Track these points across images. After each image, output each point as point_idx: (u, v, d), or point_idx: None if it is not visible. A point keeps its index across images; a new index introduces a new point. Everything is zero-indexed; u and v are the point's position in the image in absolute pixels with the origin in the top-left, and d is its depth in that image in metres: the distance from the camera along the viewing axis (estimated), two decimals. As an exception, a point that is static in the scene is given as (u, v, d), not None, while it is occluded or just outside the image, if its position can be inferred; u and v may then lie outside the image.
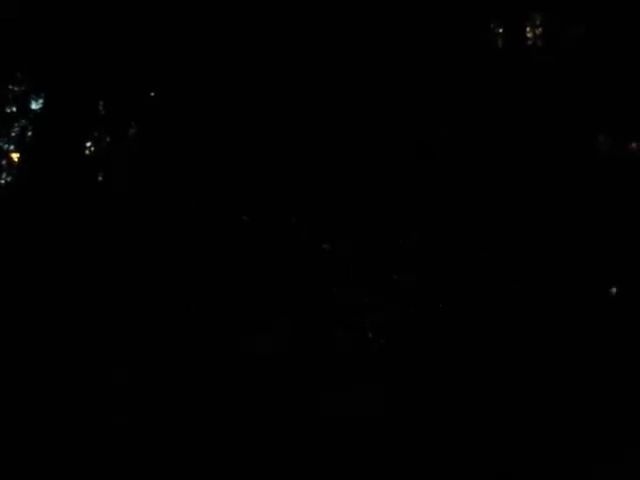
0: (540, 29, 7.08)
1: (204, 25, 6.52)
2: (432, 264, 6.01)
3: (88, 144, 6.84)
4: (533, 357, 5.65)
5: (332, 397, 5.64)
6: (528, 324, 5.77)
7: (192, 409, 5.82)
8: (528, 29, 7.09)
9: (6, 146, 6.87)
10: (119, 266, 6.53)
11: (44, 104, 6.84)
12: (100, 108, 6.85)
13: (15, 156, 6.87)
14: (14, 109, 6.89)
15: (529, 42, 7.06)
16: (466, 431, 5.38)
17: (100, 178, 6.82)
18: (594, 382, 5.48)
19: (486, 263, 5.95)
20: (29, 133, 6.86)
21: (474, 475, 5.22)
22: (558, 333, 5.70)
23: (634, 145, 6.73)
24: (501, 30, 7.03)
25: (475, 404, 5.52)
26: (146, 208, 6.61)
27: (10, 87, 6.87)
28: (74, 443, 5.67)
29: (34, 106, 6.87)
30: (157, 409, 5.84)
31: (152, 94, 6.83)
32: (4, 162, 6.84)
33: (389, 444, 5.41)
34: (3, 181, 6.84)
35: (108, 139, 6.84)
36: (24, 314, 6.32)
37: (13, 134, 6.87)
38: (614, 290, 5.87)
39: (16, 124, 6.87)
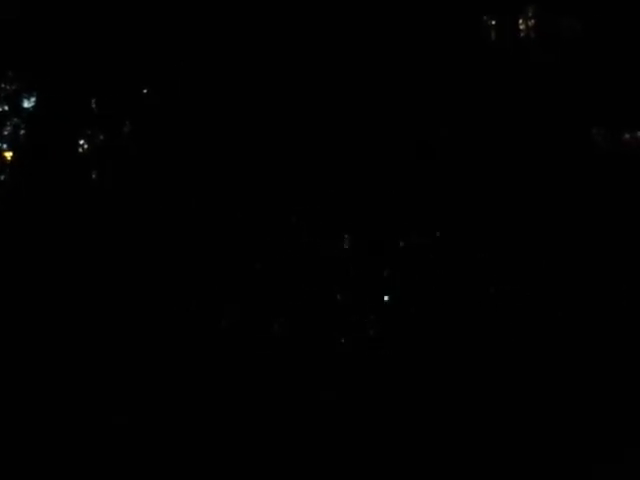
0: (533, 21, 7.08)
1: (200, 21, 6.48)
2: (432, 264, 6.03)
3: (81, 142, 6.79)
4: (533, 357, 5.68)
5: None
6: (528, 324, 5.80)
7: (192, 409, 5.82)
8: (521, 21, 7.09)
9: (-1, 145, 6.84)
10: (114, 265, 6.52)
11: (36, 102, 6.80)
12: (93, 106, 6.79)
13: (8, 155, 6.82)
14: (6, 108, 6.83)
15: (522, 34, 7.07)
16: (468, 431, 5.41)
17: (94, 176, 6.78)
18: (594, 382, 5.51)
19: (486, 263, 5.97)
20: (22, 132, 6.82)
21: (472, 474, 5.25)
22: (558, 332, 5.73)
23: (627, 136, 6.76)
24: (494, 23, 7.04)
25: (475, 404, 5.55)
26: (141, 207, 6.59)
27: (2, 86, 6.81)
28: (74, 443, 5.66)
29: (26, 105, 6.82)
30: (157, 409, 5.83)
31: (145, 91, 6.78)
32: (-3, 162, 6.80)
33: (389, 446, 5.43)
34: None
35: (102, 137, 6.79)
36: (19, 313, 6.30)
37: (6, 133, 6.82)
38: (614, 287, 5.89)
39: (8, 123, 6.82)
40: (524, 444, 5.34)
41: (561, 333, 5.75)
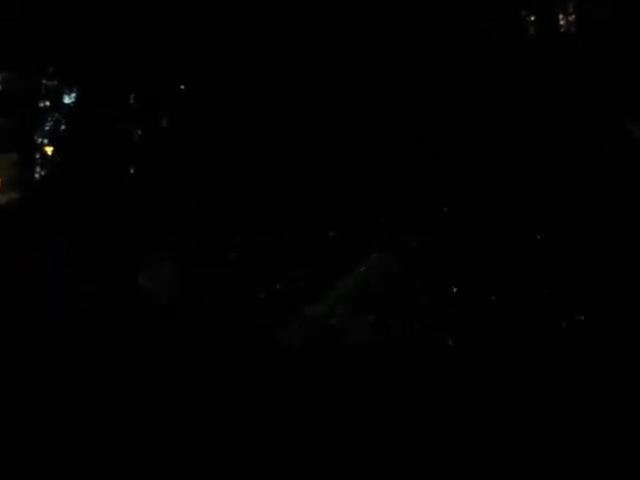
0: (574, 16, 6.98)
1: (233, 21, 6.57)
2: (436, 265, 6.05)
3: (120, 137, 6.91)
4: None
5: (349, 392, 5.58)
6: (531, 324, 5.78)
7: (194, 406, 5.74)
8: (561, 16, 7.00)
9: (40, 140, 6.98)
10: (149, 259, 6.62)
11: (76, 98, 6.94)
12: (131, 101, 6.91)
13: (49, 150, 6.97)
14: (47, 103, 6.98)
15: (562, 30, 6.98)
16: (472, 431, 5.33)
17: (132, 171, 6.90)
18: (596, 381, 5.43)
19: (487, 263, 5.96)
20: (62, 127, 6.97)
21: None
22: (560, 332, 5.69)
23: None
24: (533, 18, 6.96)
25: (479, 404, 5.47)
26: (179, 203, 6.69)
27: (43, 82, 6.96)
28: (74, 443, 5.57)
29: (67, 100, 6.97)
30: (158, 409, 5.76)
31: (183, 87, 6.87)
32: (38, 156, 6.95)
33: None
34: (37, 175, 6.95)
35: (140, 132, 6.90)
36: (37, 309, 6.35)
37: (47, 128, 6.98)
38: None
39: (49, 118, 6.97)
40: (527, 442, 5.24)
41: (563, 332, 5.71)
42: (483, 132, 6.29)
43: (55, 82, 6.97)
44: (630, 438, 5.10)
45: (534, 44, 6.65)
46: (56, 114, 6.97)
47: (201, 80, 6.75)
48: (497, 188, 6.18)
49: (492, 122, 6.32)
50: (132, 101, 6.88)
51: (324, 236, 6.28)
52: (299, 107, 6.43)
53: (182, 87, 6.86)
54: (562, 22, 6.80)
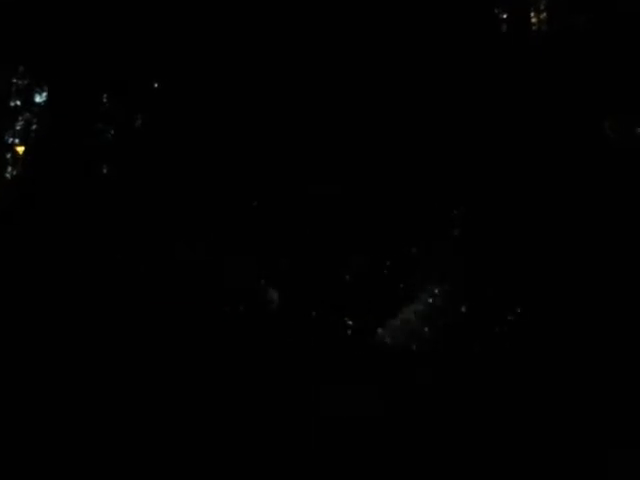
0: (544, 14, 7.04)
1: (207, 20, 6.51)
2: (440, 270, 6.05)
3: (92, 137, 6.83)
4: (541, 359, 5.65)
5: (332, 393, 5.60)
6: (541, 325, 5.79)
7: (191, 407, 5.72)
8: (532, 14, 7.05)
9: (11, 139, 6.88)
10: (122, 261, 6.55)
11: (48, 97, 6.85)
12: (104, 101, 6.84)
13: (20, 149, 6.88)
14: (18, 102, 6.89)
15: (533, 27, 7.03)
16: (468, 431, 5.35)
17: (105, 170, 6.82)
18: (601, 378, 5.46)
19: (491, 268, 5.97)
20: (33, 126, 6.87)
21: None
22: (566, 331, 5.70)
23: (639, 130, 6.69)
24: (505, 16, 7.00)
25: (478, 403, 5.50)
26: (151, 201, 6.63)
27: (14, 81, 6.87)
28: (74, 442, 5.52)
29: (38, 99, 6.88)
30: (158, 409, 5.73)
31: (156, 86, 6.81)
32: (9, 156, 6.85)
33: (388, 445, 5.35)
34: (9, 175, 6.85)
35: (112, 132, 6.83)
36: (26, 310, 6.28)
37: (18, 127, 6.88)
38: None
39: (20, 117, 6.88)
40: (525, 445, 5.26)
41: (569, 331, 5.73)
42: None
43: (26, 81, 6.87)
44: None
45: (513, 47, 6.71)
46: (27, 113, 6.87)
47: (176, 77, 6.69)
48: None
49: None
50: (105, 100, 6.81)
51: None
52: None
53: (155, 85, 6.81)
54: (539, 26, 6.88)
